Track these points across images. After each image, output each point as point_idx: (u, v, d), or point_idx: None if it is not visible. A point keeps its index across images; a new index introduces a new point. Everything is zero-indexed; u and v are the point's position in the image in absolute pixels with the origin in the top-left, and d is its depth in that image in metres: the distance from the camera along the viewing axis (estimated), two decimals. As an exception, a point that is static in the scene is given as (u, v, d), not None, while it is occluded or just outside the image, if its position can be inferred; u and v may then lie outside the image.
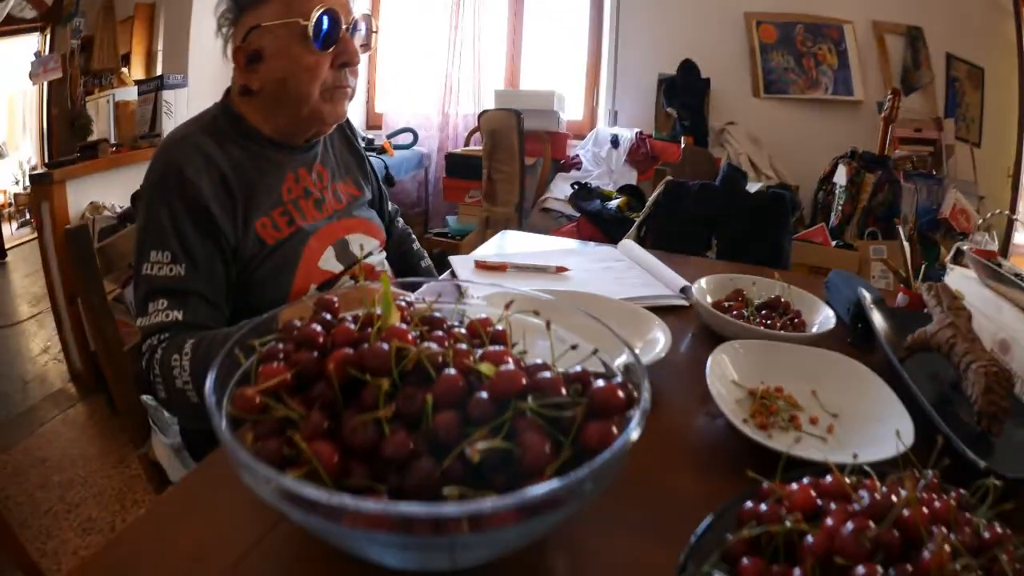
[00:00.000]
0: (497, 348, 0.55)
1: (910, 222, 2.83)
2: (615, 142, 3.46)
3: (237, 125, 1.15)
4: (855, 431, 0.73)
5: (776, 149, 3.35)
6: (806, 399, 0.80)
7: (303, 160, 1.23)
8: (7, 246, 5.50)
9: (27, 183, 5.59)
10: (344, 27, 1.10)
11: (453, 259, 1.34)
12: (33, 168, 5.48)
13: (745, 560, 0.45)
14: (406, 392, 0.49)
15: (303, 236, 1.16)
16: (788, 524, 0.44)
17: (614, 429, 0.48)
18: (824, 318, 1.02)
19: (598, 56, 3.78)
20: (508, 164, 3.16)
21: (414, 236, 1.62)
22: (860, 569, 0.39)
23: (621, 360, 0.60)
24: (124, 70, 4.52)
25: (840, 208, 2.82)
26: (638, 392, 0.53)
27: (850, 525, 0.41)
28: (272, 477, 0.43)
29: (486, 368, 0.52)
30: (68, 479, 2.35)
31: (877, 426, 0.72)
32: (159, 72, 3.80)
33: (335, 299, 0.63)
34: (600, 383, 0.51)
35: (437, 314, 0.61)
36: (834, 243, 2.55)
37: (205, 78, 3.25)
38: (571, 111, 3.76)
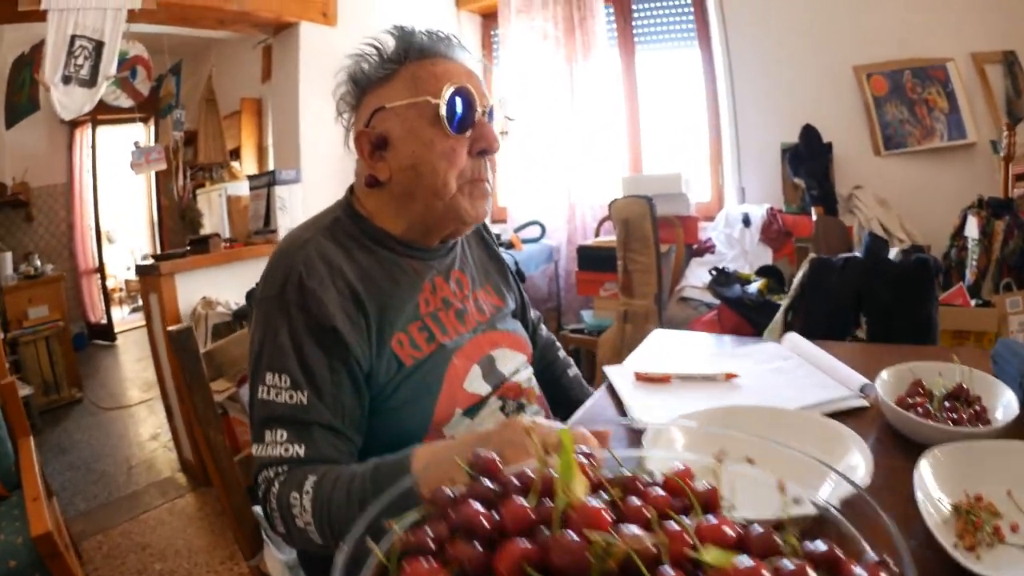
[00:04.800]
0: (713, 521, 0.46)
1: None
2: (747, 221, 3.31)
3: (363, 227, 1.01)
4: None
5: (903, 208, 3.17)
6: (1003, 502, 0.72)
7: (440, 267, 1.08)
8: (118, 330, 5.80)
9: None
10: (480, 111, 0.97)
11: (609, 370, 1.21)
12: (144, 256, 5.79)
13: None
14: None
15: (446, 354, 1.01)
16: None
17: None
18: (1007, 403, 0.95)
19: (718, 132, 3.66)
20: (643, 254, 3.01)
21: (559, 345, 1.43)
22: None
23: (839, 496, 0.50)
24: (235, 164, 4.72)
25: (975, 263, 2.59)
26: (899, 567, 0.42)
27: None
28: None
29: (713, 557, 0.42)
30: (170, 568, 2.29)
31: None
32: (271, 165, 3.81)
33: (494, 456, 0.55)
34: (857, 570, 0.41)
35: (625, 470, 0.52)
36: (973, 302, 2.34)
37: (319, 173, 3.24)
38: (698, 193, 3.60)
